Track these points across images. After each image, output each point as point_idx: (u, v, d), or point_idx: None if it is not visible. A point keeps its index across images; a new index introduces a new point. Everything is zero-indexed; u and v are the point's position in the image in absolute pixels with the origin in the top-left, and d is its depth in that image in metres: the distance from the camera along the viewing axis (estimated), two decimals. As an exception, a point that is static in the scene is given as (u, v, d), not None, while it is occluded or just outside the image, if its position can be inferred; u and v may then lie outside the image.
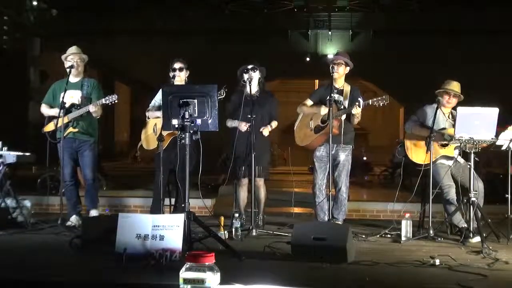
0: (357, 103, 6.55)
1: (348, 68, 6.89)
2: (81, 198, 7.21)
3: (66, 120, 6.91)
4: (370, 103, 6.62)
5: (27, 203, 7.07)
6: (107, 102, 6.81)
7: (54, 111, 6.97)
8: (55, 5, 31.71)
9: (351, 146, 7.02)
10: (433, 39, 27.14)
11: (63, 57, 7.16)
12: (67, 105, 6.95)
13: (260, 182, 6.89)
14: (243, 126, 6.70)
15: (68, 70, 7.05)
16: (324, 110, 6.83)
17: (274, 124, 6.88)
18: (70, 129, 6.96)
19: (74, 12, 29.55)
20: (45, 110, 7.11)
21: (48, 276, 4.45)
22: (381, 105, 6.63)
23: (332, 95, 6.59)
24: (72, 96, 7.03)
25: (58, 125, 6.86)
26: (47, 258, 5.21)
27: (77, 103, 6.97)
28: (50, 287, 4.12)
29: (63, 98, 6.91)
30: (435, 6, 27.36)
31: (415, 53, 26.67)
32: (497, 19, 26.71)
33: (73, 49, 7.16)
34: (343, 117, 6.67)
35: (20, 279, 4.28)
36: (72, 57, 7.11)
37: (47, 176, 10.04)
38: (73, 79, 7.11)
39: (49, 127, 6.99)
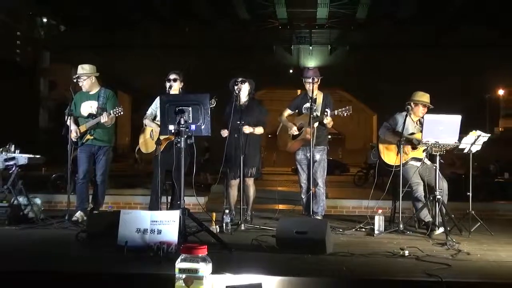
0: (325, 114, 6.69)
1: (318, 80, 6.93)
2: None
3: (84, 128, 6.96)
4: (336, 114, 6.72)
5: (38, 200, 7.02)
6: (114, 113, 6.85)
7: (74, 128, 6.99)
8: (63, 22, 31.62)
9: (325, 147, 7.08)
10: (404, 53, 27.32)
11: (73, 77, 7.15)
12: (85, 115, 7.01)
13: (250, 181, 6.88)
14: (224, 133, 6.74)
15: (83, 87, 7.11)
16: (294, 130, 7.03)
17: (258, 129, 6.84)
18: (88, 136, 7.00)
19: (81, 28, 29.50)
20: (67, 119, 7.06)
21: (56, 266, 4.43)
22: (345, 115, 6.73)
23: (307, 104, 6.76)
24: (91, 106, 7.05)
25: (74, 134, 6.93)
26: (55, 250, 5.17)
27: (94, 112, 6.98)
28: (58, 277, 4.09)
29: (69, 107, 6.93)
30: (406, 24, 27.55)
31: (388, 66, 26.86)
32: (469, 35, 26.95)
33: (82, 68, 7.11)
34: (316, 124, 6.70)
35: (31, 270, 4.26)
36: (83, 78, 7.07)
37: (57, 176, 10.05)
38: (91, 91, 7.14)
39: (72, 134, 6.96)
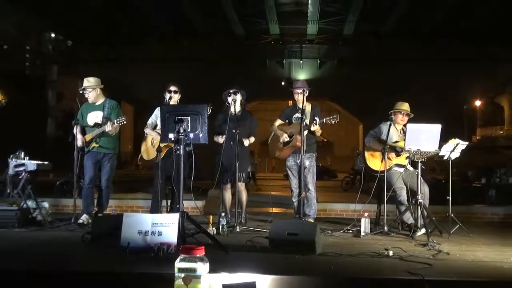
0: (314, 122, 6.72)
1: (307, 92, 6.94)
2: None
3: (90, 137, 6.99)
4: (324, 122, 6.78)
5: (45, 204, 7.01)
6: (118, 123, 6.89)
7: (81, 137, 7.02)
8: (70, 37, 31.62)
9: (314, 154, 7.10)
10: (388, 67, 27.46)
11: (80, 89, 7.17)
12: (91, 124, 7.03)
13: (242, 186, 6.90)
14: (220, 139, 6.75)
15: (88, 98, 7.14)
16: (285, 136, 7.05)
17: (251, 139, 6.90)
18: (94, 144, 7.02)
19: (86, 43, 29.51)
20: (74, 128, 7.06)
21: (63, 266, 4.42)
22: (333, 122, 6.78)
23: (297, 114, 6.82)
24: (97, 116, 7.08)
25: (81, 142, 6.97)
26: (62, 251, 5.17)
27: (99, 122, 6.99)
28: (64, 276, 4.08)
29: (76, 116, 6.93)
30: (389, 39, 27.73)
31: (373, 78, 26.93)
32: (447, 50, 27.13)
33: (88, 81, 7.14)
34: (306, 132, 6.72)
35: (39, 269, 4.24)
36: (88, 90, 7.10)
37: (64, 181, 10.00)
38: (96, 102, 7.15)
39: (79, 142, 6.99)
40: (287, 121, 7.22)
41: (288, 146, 7.06)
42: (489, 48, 27.34)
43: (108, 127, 6.85)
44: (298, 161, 6.87)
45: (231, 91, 6.82)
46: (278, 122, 7.29)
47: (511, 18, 25.23)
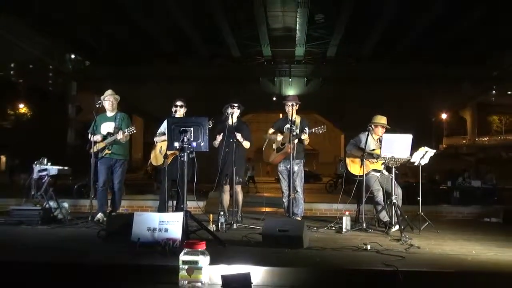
0: (304, 131, 6.70)
1: (297, 105, 6.95)
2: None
3: (103, 144, 6.96)
4: (313, 131, 6.75)
5: (65, 204, 6.97)
6: (128, 132, 6.89)
7: (96, 138, 6.96)
8: (88, 58, 31.65)
9: (302, 160, 7.08)
10: (366, 84, 27.60)
11: (102, 97, 7.16)
12: (104, 133, 7.01)
13: (238, 188, 6.88)
14: (218, 138, 6.70)
15: (105, 106, 7.13)
16: (279, 137, 7.02)
17: (246, 143, 6.86)
18: (106, 151, 6.99)
19: (102, 63, 29.50)
20: (90, 136, 7.03)
21: (80, 258, 4.40)
22: (320, 132, 6.75)
23: (288, 125, 6.78)
24: (109, 126, 7.06)
25: (96, 149, 6.93)
26: (79, 245, 5.13)
27: (111, 131, 6.98)
28: (81, 267, 4.06)
29: (92, 127, 6.93)
30: (366, 60, 27.90)
31: (353, 94, 27.08)
32: (415, 70, 27.34)
33: (109, 92, 7.19)
34: (296, 141, 6.72)
35: (60, 261, 4.23)
36: (108, 98, 7.12)
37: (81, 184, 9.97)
38: (109, 113, 7.17)
39: (94, 149, 6.94)
40: (278, 130, 7.19)
41: (280, 153, 7.05)
42: (454, 69, 27.59)
43: (119, 136, 6.87)
44: (288, 166, 6.86)
45: (235, 104, 6.83)
46: (271, 131, 7.28)
47: (470, 44, 25.68)
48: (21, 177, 21.15)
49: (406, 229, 6.06)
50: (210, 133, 5.81)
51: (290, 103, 6.88)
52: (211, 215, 6.27)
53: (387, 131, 6.65)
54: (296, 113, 6.97)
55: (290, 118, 6.82)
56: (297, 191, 6.94)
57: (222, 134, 6.63)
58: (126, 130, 6.88)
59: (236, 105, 6.84)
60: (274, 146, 7.11)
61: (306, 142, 6.96)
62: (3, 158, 25.59)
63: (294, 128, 6.71)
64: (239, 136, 6.69)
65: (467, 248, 5.10)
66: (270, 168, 25.73)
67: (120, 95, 7.31)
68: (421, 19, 22.29)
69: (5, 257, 4.35)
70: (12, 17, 24.43)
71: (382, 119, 6.74)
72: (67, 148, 30.68)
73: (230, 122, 6.76)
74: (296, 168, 6.90)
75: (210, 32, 24.76)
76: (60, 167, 6.87)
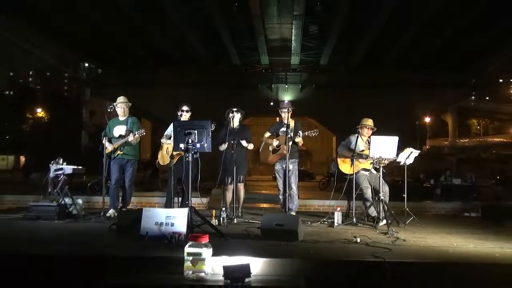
0: (298, 134, 6.70)
1: (291, 110, 6.95)
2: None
3: (116, 146, 6.96)
4: (307, 134, 6.75)
5: (79, 201, 6.96)
6: (139, 134, 6.89)
7: (109, 146, 6.98)
8: (100, 66, 31.67)
9: (297, 160, 7.06)
10: (355, 91, 27.65)
11: (114, 103, 7.16)
12: (117, 136, 7.01)
13: (240, 186, 6.88)
14: (223, 146, 6.70)
15: (118, 112, 7.15)
16: (275, 142, 7.01)
17: (250, 145, 6.89)
18: (118, 152, 6.99)
19: (113, 71, 29.53)
20: (103, 138, 7.03)
21: (94, 251, 4.41)
22: (313, 135, 6.76)
23: (283, 128, 6.77)
24: (121, 129, 7.06)
25: (109, 150, 6.95)
26: (92, 239, 5.13)
27: (123, 134, 6.99)
28: (94, 259, 4.06)
29: (105, 129, 6.92)
30: (356, 69, 27.96)
31: (343, 100, 27.08)
32: (401, 78, 27.43)
33: (121, 98, 7.19)
34: (290, 143, 6.73)
35: (75, 253, 4.23)
36: (120, 105, 7.13)
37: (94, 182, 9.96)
38: (121, 117, 7.17)
39: (108, 150, 6.97)
40: (274, 133, 7.21)
41: (276, 154, 7.05)
42: (436, 76, 27.70)
43: (130, 138, 6.88)
44: (283, 166, 6.86)
45: (234, 109, 6.83)
46: (267, 134, 7.27)
47: (452, 53, 25.80)
48: (33, 176, 21.27)
49: (393, 223, 6.06)
50: (213, 135, 5.81)
51: (284, 110, 6.91)
52: (214, 211, 6.27)
53: (375, 133, 6.66)
54: (291, 117, 6.97)
55: (285, 122, 6.84)
56: (292, 188, 6.94)
57: (227, 142, 6.63)
58: (136, 132, 6.89)
59: (235, 109, 6.84)
60: (270, 148, 7.12)
61: (300, 144, 6.96)
62: (22, 158, 25.59)
63: (289, 131, 6.73)
64: (244, 143, 6.73)
65: (448, 241, 5.10)
66: (262, 168, 25.96)
67: (130, 100, 7.30)
68: (407, 31, 22.38)
69: (25, 249, 4.35)
70: (30, 30, 24.55)
71: (368, 121, 6.76)
72: (81, 149, 30.68)
73: (232, 125, 6.76)
74: (291, 167, 6.90)
75: (213, 43, 24.80)
76: (75, 167, 6.86)
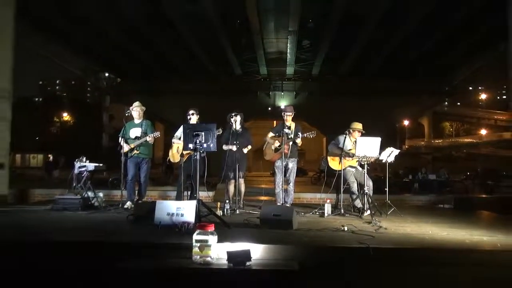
0: (297, 136, 6.69)
1: (292, 114, 6.94)
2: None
3: (132, 146, 6.96)
4: (305, 136, 6.73)
5: (101, 194, 6.94)
6: (155, 135, 6.91)
7: (126, 146, 6.99)
8: (119, 76, 31.68)
9: (296, 158, 7.03)
10: (344, 97, 27.69)
11: (131, 108, 7.17)
12: (133, 137, 7.02)
13: (241, 181, 6.87)
14: (234, 147, 6.69)
15: (133, 115, 7.15)
16: (276, 143, 6.96)
17: (248, 147, 6.89)
18: (135, 152, 6.98)
19: (130, 81, 29.56)
20: (121, 139, 7.05)
21: (113, 238, 4.41)
22: (311, 137, 6.76)
23: (284, 130, 6.72)
24: (137, 131, 7.06)
25: (126, 149, 6.96)
26: (113, 227, 5.12)
27: (139, 135, 6.99)
28: (114, 245, 4.06)
29: (122, 132, 6.92)
30: (345, 78, 28.00)
31: (333, 105, 27.11)
32: (383, 85, 27.49)
33: (137, 103, 7.19)
34: (290, 143, 6.72)
35: (97, 240, 4.24)
36: (136, 108, 7.13)
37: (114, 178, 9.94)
38: (136, 121, 7.16)
39: (124, 149, 6.96)
40: (277, 134, 7.15)
41: (277, 153, 7.00)
42: (414, 83, 27.81)
43: (148, 138, 6.90)
44: (283, 163, 6.80)
45: (234, 113, 6.83)
46: (271, 134, 7.21)
47: (428, 65, 25.89)
48: (54, 173, 21.35)
49: (376, 214, 6.06)
50: (219, 137, 5.82)
51: (289, 113, 6.89)
52: (219, 203, 6.26)
53: (362, 134, 6.66)
54: (292, 120, 6.97)
55: (287, 124, 6.83)
56: (290, 182, 6.93)
57: (230, 144, 6.65)
58: (152, 134, 6.90)
59: (234, 113, 6.85)
60: (272, 147, 7.09)
61: (299, 144, 6.93)
62: (51, 157, 25.60)
63: (290, 132, 6.74)
64: (245, 150, 6.78)
65: (425, 229, 5.10)
66: (260, 166, 26.05)
67: (145, 105, 7.30)
68: (388, 44, 22.45)
69: (55, 237, 4.37)
70: (58, 45, 24.68)
71: (358, 125, 6.73)
72: (102, 148, 30.71)
73: (234, 127, 6.76)
74: (290, 165, 6.88)
75: (217, 55, 24.84)
76: (97, 164, 6.85)
